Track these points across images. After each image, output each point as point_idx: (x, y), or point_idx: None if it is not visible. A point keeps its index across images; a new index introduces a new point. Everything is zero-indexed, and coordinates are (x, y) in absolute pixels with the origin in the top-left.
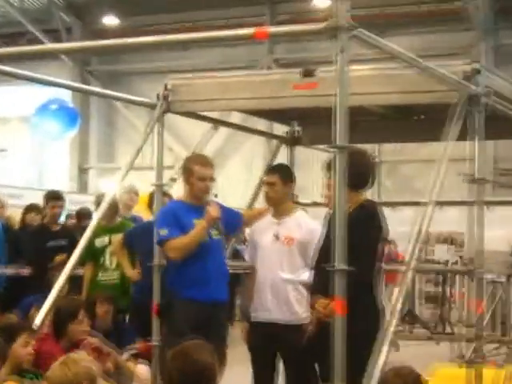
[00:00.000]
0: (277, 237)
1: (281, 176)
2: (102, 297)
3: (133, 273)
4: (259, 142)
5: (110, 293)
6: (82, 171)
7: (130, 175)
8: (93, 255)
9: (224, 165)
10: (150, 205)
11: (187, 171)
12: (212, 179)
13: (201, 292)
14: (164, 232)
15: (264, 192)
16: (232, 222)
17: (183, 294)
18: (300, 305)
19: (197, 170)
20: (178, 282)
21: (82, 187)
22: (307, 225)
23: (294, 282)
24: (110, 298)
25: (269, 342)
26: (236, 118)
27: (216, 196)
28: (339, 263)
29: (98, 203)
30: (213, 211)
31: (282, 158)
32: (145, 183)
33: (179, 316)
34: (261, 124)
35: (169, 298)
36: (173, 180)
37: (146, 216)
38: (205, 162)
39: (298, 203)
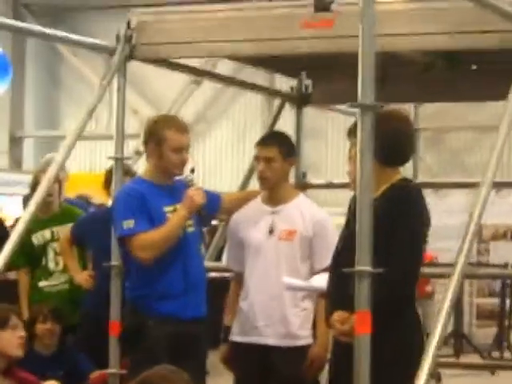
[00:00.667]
0: (272, 230)
1: (281, 148)
2: (45, 310)
3: (83, 278)
4: (255, 102)
5: (55, 304)
6: (15, 142)
7: (79, 146)
8: (29, 256)
9: (207, 134)
10: (107, 185)
11: (156, 138)
12: (187, 149)
13: (178, 306)
14: (128, 224)
15: (257, 171)
16: (206, 207)
17: (154, 309)
18: (301, 322)
19: (170, 136)
20: (146, 291)
21: (15, 163)
22: (312, 214)
23: (294, 291)
24: (56, 311)
25: (258, 370)
26: (225, 68)
27: (193, 171)
28: (362, 263)
29: (34, 185)
30: (197, 196)
31: (286, 123)
32: (99, 157)
33: (150, 339)
34: (258, 77)
35: (133, 314)
36: (138, 153)
37: (102, 200)
38: (180, 125)
39: (306, 185)
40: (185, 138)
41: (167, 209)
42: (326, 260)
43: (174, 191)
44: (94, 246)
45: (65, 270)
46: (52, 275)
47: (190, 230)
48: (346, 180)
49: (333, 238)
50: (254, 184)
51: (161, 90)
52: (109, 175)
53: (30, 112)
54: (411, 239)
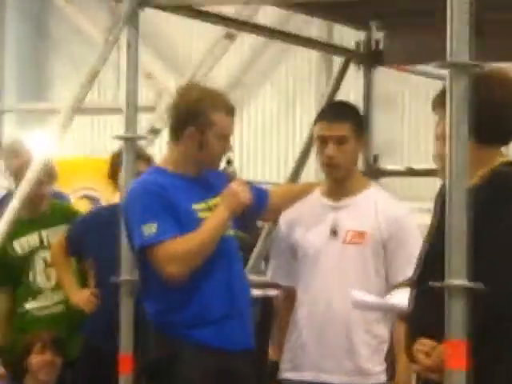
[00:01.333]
0: (335, 231)
1: (354, 124)
2: (46, 337)
3: (82, 298)
4: (308, 63)
5: (50, 331)
6: None
7: (77, 123)
8: (10, 270)
9: (245, 105)
10: (113, 174)
11: (199, 122)
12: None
13: (220, 333)
14: (150, 229)
15: (321, 155)
16: (252, 206)
17: (189, 338)
18: (373, 354)
19: (219, 120)
20: (178, 316)
21: None
22: (388, 209)
23: (364, 310)
24: (58, 340)
25: None
26: (268, 18)
27: (229, 163)
28: (454, 276)
29: (17, 173)
30: (243, 192)
31: (350, 90)
32: (103, 136)
33: (183, 376)
34: (312, 28)
35: (160, 345)
36: (154, 131)
37: (107, 195)
38: (229, 106)
39: (378, 172)
40: (232, 123)
41: (197, 206)
42: (406, 271)
43: (205, 184)
44: (96, 255)
45: (58, 286)
46: (41, 294)
47: (231, 233)
48: (432, 165)
49: (415, 242)
50: (309, 171)
51: (183, 47)
52: (115, 160)
53: (10, 79)
54: None
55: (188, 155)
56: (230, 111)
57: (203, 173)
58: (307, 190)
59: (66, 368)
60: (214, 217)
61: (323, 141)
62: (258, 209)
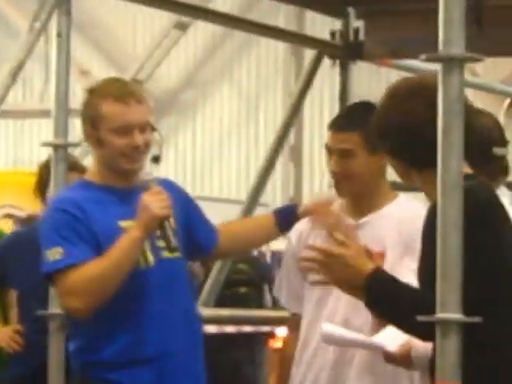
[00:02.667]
0: None
1: (365, 136)
2: None
3: (4, 337)
4: (274, 56)
5: None
6: None
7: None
8: None
9: (199, 106)
10: (41, 188)
11: (90, 117)
12: (144, 127)
13: (151, 375)
14: (54, 255)
15: (331, 171)
16: (201, 233)
17: (112, 381)
18: None
19: (106, 110)
20: (97, 356)
21: None
22: (412, 223)
23: (337, 346)
24: None
25: None
26: (226, 4)
27: (156, 160)
28: (447, 308)
29: None
30: (155, 203)
31: (323, 87)
32: (30, 144)
33: None
34: (279, 17)
35: None
36: None
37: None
38: (122, 91)
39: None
40: (133, 111)
41: (125, 224)
42: None
43: (134, 197)
44: (19, 283)
45: None
46: None
47: (169, 257)
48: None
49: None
50: (274, 187)
51: (124, 39)
52: (44, 172)
53: None
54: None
55: (99, 161)
56: (121, 96)
57: (132, 183)
58: (263, 225)
59: None
60: (122, 237)
61: (329, 152)
62: (204, 250)
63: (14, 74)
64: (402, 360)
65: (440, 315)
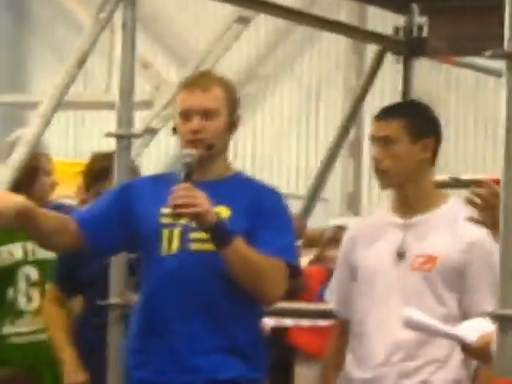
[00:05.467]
0: (401, 254)
1: (407, 123)
2: (12, 373)
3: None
4: (336, 51)
5: (28, 363)
6: None
7: (60, 119)
8: None
9: (259, 100)
10: (90, 180)
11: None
12: (209, 116)
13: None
14: None
15: (372, 159)
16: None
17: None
18: None
19: (179, 97)
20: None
21: None
22: (469, 230)
23: (417, 332)
24: (28, 374)
25: None
26: None
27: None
28: (508, 305)
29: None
30: (179, 198)
31: (385, 84)
32: (91, 136)
33: None
34: (341, 11)
35: None
36: (150, 131)
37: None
38: (191, 80)
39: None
40: (194, 97)
41: (165, 211)
42: (486, 301)
43: (211, 188)
44: (82, 274)
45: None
46: (22, 317)
47: (199, 247)
48: (480, 174)
49: (497, 270)
50: (333, 182)
51: (186, 33)
52: (96, 165)
53: None
54: None
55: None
56: (187, 85)
57: (223, 177)
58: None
59: None
60: None
61: (372, 142)
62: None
63: (79, 65)
64: (481, 353)
65: (500, 311)
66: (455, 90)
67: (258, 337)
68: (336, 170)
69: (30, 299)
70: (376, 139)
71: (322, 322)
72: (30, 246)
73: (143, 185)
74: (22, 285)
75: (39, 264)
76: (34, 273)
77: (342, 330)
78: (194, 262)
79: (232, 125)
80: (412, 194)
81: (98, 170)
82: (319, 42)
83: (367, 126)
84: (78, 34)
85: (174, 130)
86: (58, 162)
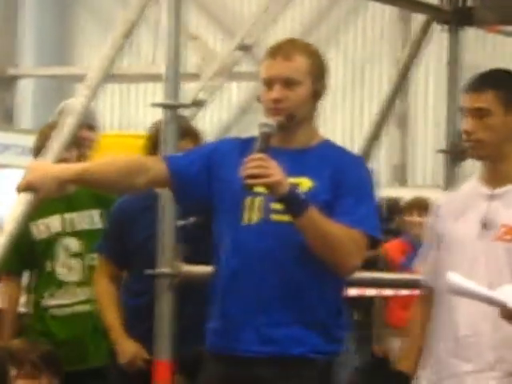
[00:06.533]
0: (486, 224)
1: (502, 94)
2: (27, 358)
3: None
4: (382, 21)
5: (70, 335)
6: (5, 84)
7: (108, 91)
8: (25, 257)
9: None
10: (151, 151)
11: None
12: (291, 85)
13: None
14: None
15: (464, 131)
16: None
17: (206, 339)
18: None
19: (263, 65)
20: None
21: (5, 118)
22: None
23: (461, 297)
24: (46, 357)
25: None
26: None
27: (290, 119)
28: None
29: (39, 150)
30: (250, 169)
31: (431, 54)
32: (140, 108)
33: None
34: None
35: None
36: (197, 103)
37: None
38: (272, 48)
39: (465, 153)
40: (275, 65)
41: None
42: None
43: (296, 158)
44: (131, 242)
45: (86, 281)
46: (62, 289)
47: (278, 218)
48: None
49: None
50: (379, 154)
51: (232, 4)
52: (155, 135)
53: (28, 39)
54: None
55: None
56: (270, 52)
57: (312, 146)
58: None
59: (85, 378)
60: None
61: (463, 113)
62: None
63: (126, 37)
64: None
65: None
66: (500, 59)
67: (338, 309)
68: (382, 142)
69: (70, 270)
70: (469, 111)
71: (405, 292)
72: (68, 217)
73: (229, 149)
74: (61, 256)
75: (79, 235)
76: (73, 243)
77: (428, 299)
78: (273, 234)
79: (317, 93)
80: (501, 165)
81: (157, 142)
82: (364, 13)
83: (413, 98)
84: (124, 6)
85: (259, 98)
86: (105, 135)
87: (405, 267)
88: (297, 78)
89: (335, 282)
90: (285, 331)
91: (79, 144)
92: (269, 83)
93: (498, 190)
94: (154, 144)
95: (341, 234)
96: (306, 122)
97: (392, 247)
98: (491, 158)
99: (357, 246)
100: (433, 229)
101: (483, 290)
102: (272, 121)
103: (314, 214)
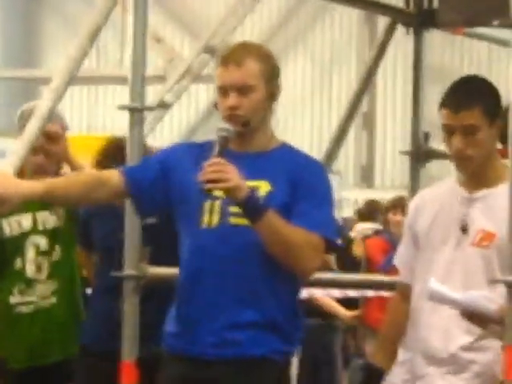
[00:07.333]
0: (465, 228)
1: (485, 109)
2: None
3: None
4: (347, 24)
5: (36, 331)
6: None
7: (73, 94)
8: None
9: None
10: (116, 155)
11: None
12: (245, 92)
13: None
14: None
15: (449, 146)
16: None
17: (164, 341)
18: None
19: (217, 72)
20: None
21: None
22: None
23: (437, 303)
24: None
25: None
26: None
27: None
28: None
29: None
30: (210, 174)
31: (396, 56)
32: (102, 110)
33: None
34: None
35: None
36: (163, 105)
37: None
38: (224, 54)
39: (430, 153)
40: (228, 74)
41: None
42: None
43: (251, 162)
44: (98, 245)
45: (52, 276)
46: (30, 287)
47: (237, 221)
48: None
49: None
50: (347, 154)
51: (199, 6)
52: (110, 147)
53: None
54: None
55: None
56: (222, 60)
57: (265, 149)
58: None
59: (50, 372)
60: None
61: (449, 131)
62: None
63: (91, 39)
64: (500, 321)
65: (508, 278)
66: (468, 61)
67: (294, 311)
68: (349, 143)
69: (38, 268)
70: (458, 129)
71: (386, 294)
72: (40, 215)
73: (182, 154)
74: (30, 254)
75: (49, 233)
76: (43, 242)
77: (404, 297)
78: (231, 237)
79: (272, 95)
80: (480, 168)
81: (110, 149)
82: (331, 14)
83: (380, 98)
84: (90, 8)
85: (216, 105)
86: (71, 137)
87: (384, 266)
88: (250, 83)
89: (292, 285)
90: (244, 333)
91: (46, 143)
92: (224, 91)
93: (477, 194)
94: (105, 157)
95: (299, 238)
96: (263, 125)
97: (373, 245)
98: (477, 170)
99: (314, 250)
100: (409, 228)
101: (461, 297)
102: (230, 126)
103: (272, 218)
